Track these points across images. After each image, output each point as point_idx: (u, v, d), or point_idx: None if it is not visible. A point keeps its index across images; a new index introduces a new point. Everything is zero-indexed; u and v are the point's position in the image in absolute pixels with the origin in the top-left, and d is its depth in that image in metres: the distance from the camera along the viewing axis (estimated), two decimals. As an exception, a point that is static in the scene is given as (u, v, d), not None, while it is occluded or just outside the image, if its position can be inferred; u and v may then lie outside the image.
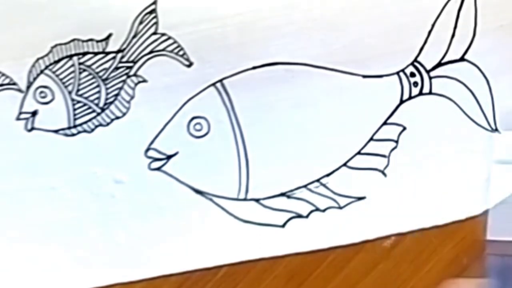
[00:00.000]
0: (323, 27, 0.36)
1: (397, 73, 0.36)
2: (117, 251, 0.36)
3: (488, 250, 0.37)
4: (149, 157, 0.36)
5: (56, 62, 0.36)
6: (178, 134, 0.36)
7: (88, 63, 0.36)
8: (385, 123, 0.36)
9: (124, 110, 0.36)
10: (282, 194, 0.36)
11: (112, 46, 0.36)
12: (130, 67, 0.36)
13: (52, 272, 0.36)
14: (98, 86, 0.36)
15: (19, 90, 0.36)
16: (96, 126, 0.36)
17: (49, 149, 0.36)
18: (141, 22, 0.36)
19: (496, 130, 0.37)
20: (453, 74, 0.36)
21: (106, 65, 0.36)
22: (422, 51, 0.36)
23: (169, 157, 0.36)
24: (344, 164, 0.36)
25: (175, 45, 0.36)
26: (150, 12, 0.36)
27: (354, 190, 0.37)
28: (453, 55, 0.36)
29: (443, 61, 0.36)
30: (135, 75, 0.36)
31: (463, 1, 0.36)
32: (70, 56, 0.36)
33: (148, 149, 0.36)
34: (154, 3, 0.36)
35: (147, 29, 0.36)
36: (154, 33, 0.36)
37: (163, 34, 0.36)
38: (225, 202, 0.36)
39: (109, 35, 0.36)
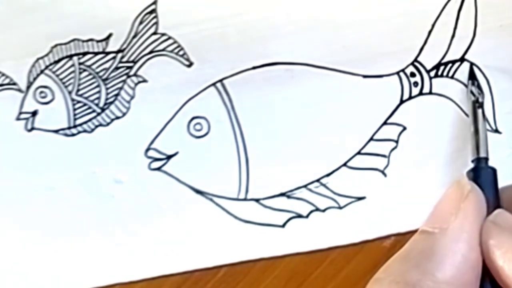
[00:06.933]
0: (323, 27, 0.36)
1: (397, 73, 0.36)
2: (117, 251, 0.36)
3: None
4: (149, 157, 0.36)
5: (56, 62, 0.36)
6: (178, 134, 0.36)
7: (88, 63, 0.36)
8: (385, 123, 0.36)
9: (124, 110, 0.36)
10: (282, 194, 0.36)
11: (112, 46, 0.36)
12: (130, 67, 0.36)
13: (51, 272, 0.36)
14: (98, 86, 0.36)
15: (19, 90, 0.36)
16: (96, 126, 0.36)
17: (49, 149, 0.36)
18: (141, 22, 0.36)
19: (496, 130, 0.37)
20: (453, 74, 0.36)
21: (106, 65, 0.36)
22: (422, 51, 0.36)
23: (169, 157, 0.36)
24: (344, 164, 0.36)
25: (175, 45, 0.36)
26: (150, 12, 0.36)
27: (354, 190, 0.37)
28: (453, 55, 0.36)
29: (443, 61, 0.36)
30: (135, 75, 0.36)
31: (463, 1, 0.36)
32: (70, 56, 0.36)
33: (148, 149, 0.36)
34: (154, 3, 0.36)
35: (147, 29, 0.36)
36: (154, 33, 0.36)
37: (163, 34, 0.36)
38: (225, 202, 0.36)
39: (109, 35, 0.36)
